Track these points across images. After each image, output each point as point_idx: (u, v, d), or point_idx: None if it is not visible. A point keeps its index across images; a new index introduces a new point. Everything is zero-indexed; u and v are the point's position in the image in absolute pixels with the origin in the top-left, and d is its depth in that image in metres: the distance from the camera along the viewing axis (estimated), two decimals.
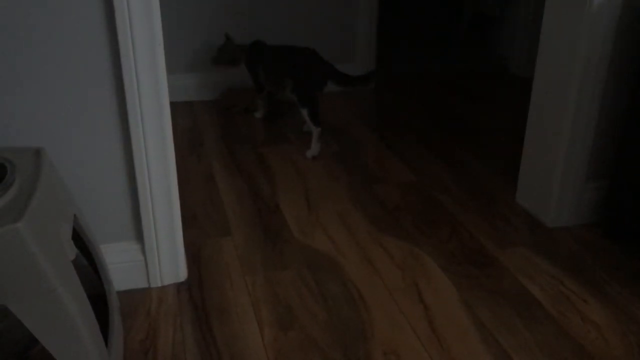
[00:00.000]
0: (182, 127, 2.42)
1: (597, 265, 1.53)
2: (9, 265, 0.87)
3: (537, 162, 1.72)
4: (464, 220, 1.74)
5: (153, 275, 1.42)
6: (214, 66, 2.45)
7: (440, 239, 1.64)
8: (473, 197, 1.88)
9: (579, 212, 1.70)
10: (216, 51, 2.43)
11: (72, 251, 1.01)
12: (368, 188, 1.93)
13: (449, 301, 1.39)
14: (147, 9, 1.19)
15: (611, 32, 1.50)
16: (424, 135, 2.36)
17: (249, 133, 2.38)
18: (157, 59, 1.24)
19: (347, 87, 2.23)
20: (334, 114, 2.54)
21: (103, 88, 1.24)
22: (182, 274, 1.45)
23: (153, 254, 1.39)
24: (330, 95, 2.24)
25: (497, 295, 1.41)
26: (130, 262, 1.40)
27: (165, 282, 1.43)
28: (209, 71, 2.69)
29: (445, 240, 1.64)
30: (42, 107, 1.22)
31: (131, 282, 1.41)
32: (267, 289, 1.43)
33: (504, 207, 1.81)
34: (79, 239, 1.16)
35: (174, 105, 2.65)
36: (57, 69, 1.20)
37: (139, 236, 1.39)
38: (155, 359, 1.22)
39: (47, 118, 1.23)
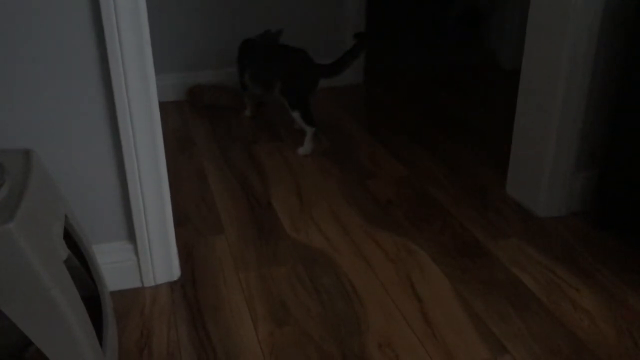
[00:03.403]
0: (173, 127, 2.42)
1: (588, 254, 1.54)
2: (1, 267, 0.86)
3: (527, 153, 1.73)
4: (456, 213, 1.75)
5: (146, 275, 1.41)
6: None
7: (433, 232, 1.65)
8: (464, 189, 1.89)
9: (570, 202, 1.71)
10: None
11: (64, 251, 1.01)
12: (360, 183, 1.94)
13: (442, 293, 1.40)
14: (134, 9, 1.19)
15: (597, 22, 1.51)
16: (414, 129, 2.37)
17: (239, 131, 2.38)
18: (145, 58, 1.23)
19: (343, 71, 2.13)
20: (324, 110, 2.55)
21: (92, 88, 1.23)
22: (176, 272, 1.45)
23: (145, 254, 1.39)
24: (320, 91, 2.23)
25: (490, 286, 1.42)
26: (123, 262, 1.39)
27: (158, 281, 1.43)
28: (199, 70, 2.69)
29: (437, 233, 1.65)
30: (30, 109, 1.22)
31: (124, 282, 1.41)
32: (261, 286, 1.43)
33: (496, 199, 1.82)
34: (71, 239, 1.16)
35: (164, 105, 2.64)
36: (44, 71, 1.19)
37: (131, 236, 1.39)
38: (151, 358, 1.22)
39: (36, 120, 1.23)
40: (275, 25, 2.39)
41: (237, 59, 2.40)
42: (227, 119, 2.50)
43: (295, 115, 2.13)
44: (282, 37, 2.36)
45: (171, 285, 1.43)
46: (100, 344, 1.06)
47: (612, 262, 1.51)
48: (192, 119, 2.50)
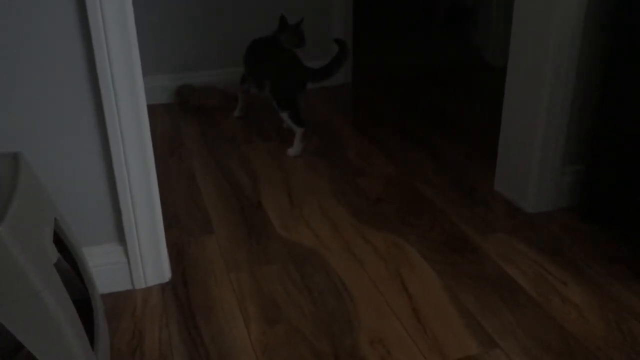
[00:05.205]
0: (162, 129, 2.41)
1: (576, 248, 1.56)
2: None
3: (514, 150, 1.75)
4: (445, 209, 1.76)
5: (137, 277, 1.41)
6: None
7: (423, 229, 1.66)
8: (453, 186, 1.90)
9: (557, 197, 1.73)
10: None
11: (54, 254, 1.00)
12: (350, 181, 1.94)
13: (432, 289, 1.41)
14: (121, 11, 1.19)
15: (581, 17, 1.53)
16: (403, 127, 2.38)
17: (229, 131, 2.38)
18: (132, 61, 1.23)
19: (331, 76, 2.16)
20: (313, 109, 2.55)
21: (79, 90, 1.23)
22: (166, 274, 1.45)
23: (136, 255, 1.39)
24: (309, 91, 2.24)
25: (479, 280, 1.44)
26: (113, 264, 1.39)
27: (149, 283, 1.43)
28: (187, 72, 2.69)
29: (427, 229, 1.66)
30: (19, 112, 1.21)
31: (115, 284, 1.41)
32: (252, 285, 1.43)
33: (484, 195, 1.84)
34: (61, 242, 1.16)
35: (152, 108, 2.63)
36: (32, 74, 1.19)
37: (121, 238, 1.39)
38: (143, 359, 1.22)
39: (24, 123, 1.22)
40: (260, 21, 2.40)
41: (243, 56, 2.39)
42: (217, 119, 2.50)
43: (284, 115, 2.14)
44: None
45: (162, 286, 1.43)
46: (92, 346, 1.06)
47: (600, 256, 1.52)
48: (182, 121, 2.50)
